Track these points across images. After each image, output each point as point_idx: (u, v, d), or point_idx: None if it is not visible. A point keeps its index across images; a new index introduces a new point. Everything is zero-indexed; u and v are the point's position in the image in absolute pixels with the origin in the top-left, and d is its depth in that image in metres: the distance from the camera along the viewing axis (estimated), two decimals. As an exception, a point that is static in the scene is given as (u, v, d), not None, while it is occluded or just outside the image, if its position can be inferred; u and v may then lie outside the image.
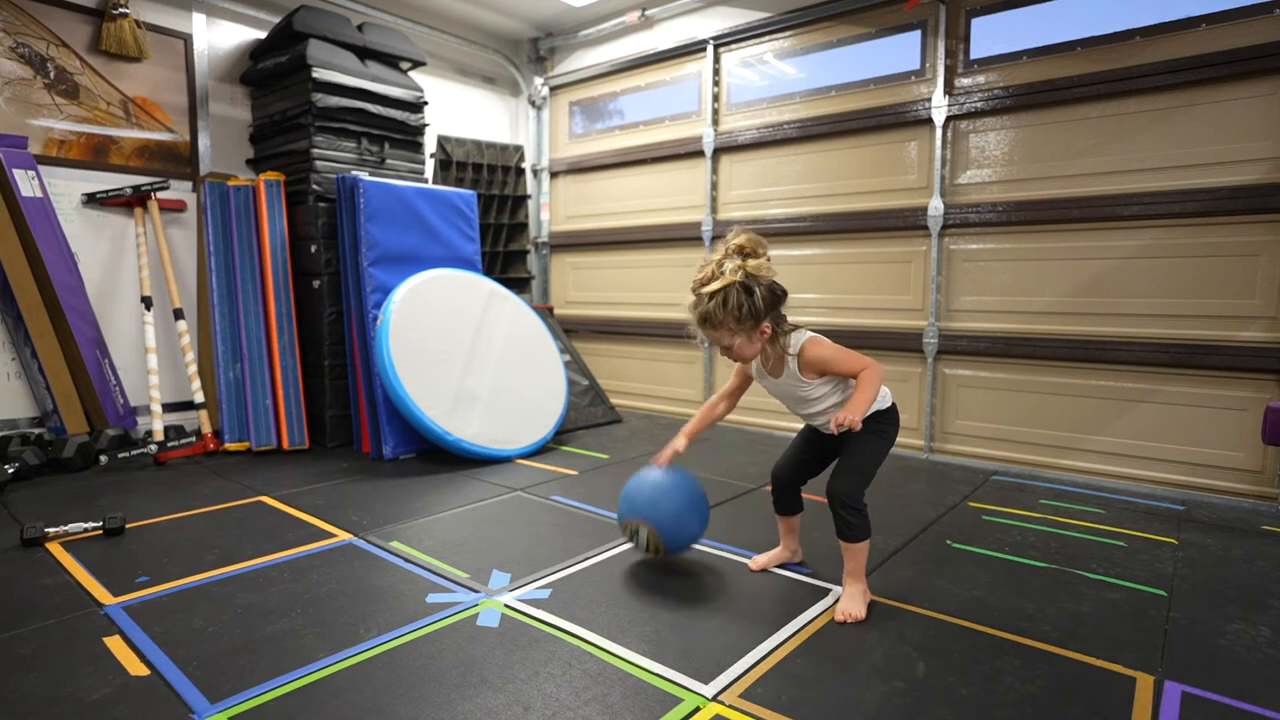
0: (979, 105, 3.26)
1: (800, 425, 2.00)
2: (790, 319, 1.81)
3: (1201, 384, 2.85)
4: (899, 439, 1.98)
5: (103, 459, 2.98)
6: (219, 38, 3.66)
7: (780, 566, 2.04)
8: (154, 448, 3.08)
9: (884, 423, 1.85)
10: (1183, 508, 2.71)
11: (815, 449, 1.96)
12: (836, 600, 1.82)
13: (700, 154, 4.22)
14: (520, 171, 4.71)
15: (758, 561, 2.04)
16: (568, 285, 5.03)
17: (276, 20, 3.68)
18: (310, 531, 2.29)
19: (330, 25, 3.57)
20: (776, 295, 1.73)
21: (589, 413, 4.07)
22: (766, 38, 3.97)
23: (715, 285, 1.68)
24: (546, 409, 3.51)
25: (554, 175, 5.04)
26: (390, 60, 3.87)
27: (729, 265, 1.68)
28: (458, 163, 4.38)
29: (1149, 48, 2.90)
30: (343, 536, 2.25)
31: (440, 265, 3.53)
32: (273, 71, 3.56)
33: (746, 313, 1.68)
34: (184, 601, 1.78)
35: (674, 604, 1.81)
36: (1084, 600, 1.87)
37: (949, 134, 3.36)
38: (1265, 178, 2.69)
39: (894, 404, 1.89)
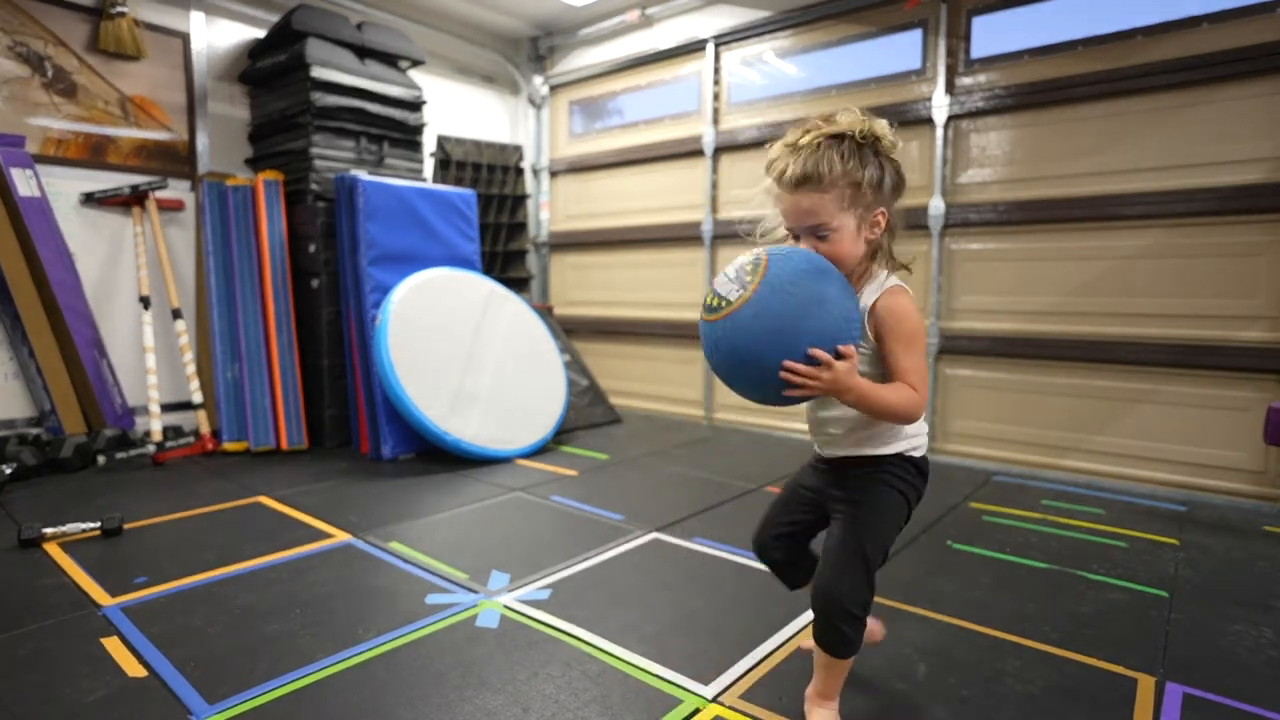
0: (980, 105, 3.25)
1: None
2: None
3: (1203, 384, 2.84)
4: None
5: (100, 459, 2.97)
6: (217, 36, 3.65)
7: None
8: (152, 448, 3.07)
9: (910, 476, 1.29)
10: (1184, 508, 2.71)
11: (810, 506, 1.37)
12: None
13: (700, 153, 4.21)
14: (520, 171, 4.71)
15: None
16: (567, 285, 5.02)
17: (275, 19, 3.67)
18: (309, 532, 2.29)
19: (329, 24, 3.57)
20: (902, 180, 1.20)
21: (589, 413, 4.07)
22: (767, 37, 3.96)
23: (829, 129, 1.14)
24: (546, 409, 3.51)
25: (554, 175, 5.03)
26: (389, 59, 3.86)
27: (844, 116, 1.16)
28: (457, 162, 4.37)
29: (1150, 47, 2.89)
30: (341, 537, 2.25)
31: (440, 265, 3.52)
32: (271, 70, 3.55)
33: (872, 178, 1.13)
34: (182, 602, 1.77)
35: (674, 605, 1.80)
36: (1085, 601, 1.86)
37: (950, 133, 3.35)
38: (1267, 177, 2.68)
39: (926, 455, 1.33)
